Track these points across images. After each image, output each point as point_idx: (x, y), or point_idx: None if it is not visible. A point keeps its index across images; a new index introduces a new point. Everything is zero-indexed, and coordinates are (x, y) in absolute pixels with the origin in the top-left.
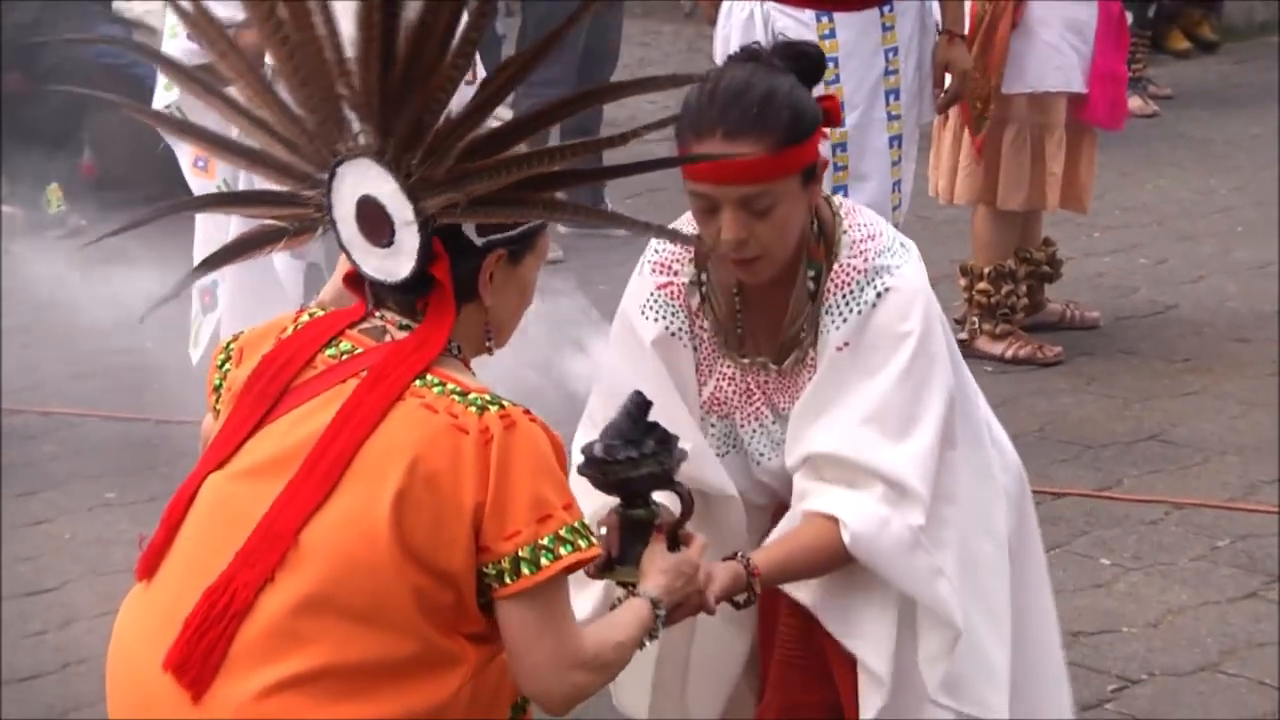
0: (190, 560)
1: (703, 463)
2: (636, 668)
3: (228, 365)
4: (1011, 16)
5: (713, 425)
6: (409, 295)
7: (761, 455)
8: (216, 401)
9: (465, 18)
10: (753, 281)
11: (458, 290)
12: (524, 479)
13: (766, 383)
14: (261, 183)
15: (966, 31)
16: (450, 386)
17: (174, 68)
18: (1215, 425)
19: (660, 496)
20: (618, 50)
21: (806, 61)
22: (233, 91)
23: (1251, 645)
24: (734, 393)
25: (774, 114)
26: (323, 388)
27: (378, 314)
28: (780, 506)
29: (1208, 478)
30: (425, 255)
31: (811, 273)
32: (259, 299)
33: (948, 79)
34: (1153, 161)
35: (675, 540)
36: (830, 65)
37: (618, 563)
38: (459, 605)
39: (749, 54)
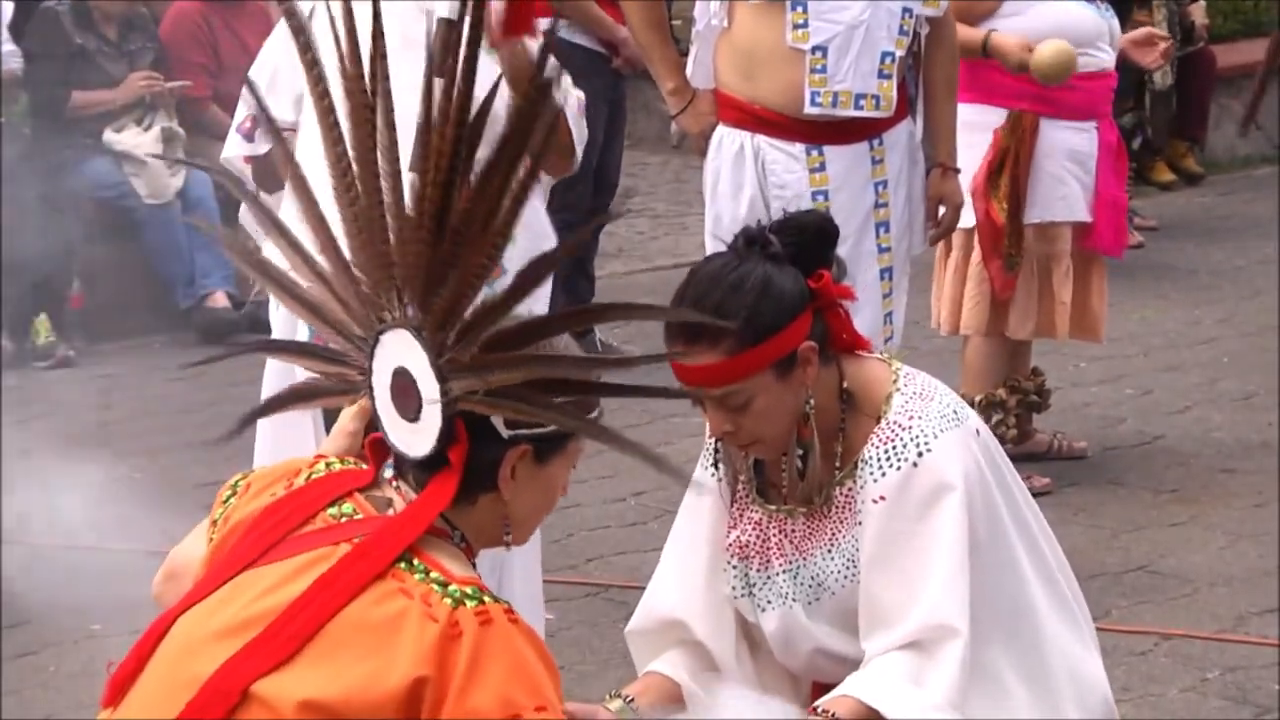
0: (146, 706)
1: (703, 623)
2: None
3: (232, 499)
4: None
5: (734, 567)
6: (426, 473)
7: (769, 604)
8: (214, 531)
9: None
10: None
11: (475, 478)
12: (494, 678)
13: (793, 531)
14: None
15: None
16: (434, 575)
17: (263, 213)
18: (1203, 556)
19: None
20: (618, 180)
21: (807, 235)
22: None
23: None
24: (755, 538)
25: (730, 319)
26: (314, 545)
27: (394, 484)
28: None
29: (1196, 609)
30: (446, 436)
31: (800, 452)
32: (291, 427)
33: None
34: (1138, 292)
35: None
36: (820, 199)
37: None
38: None
39: (744, 239)
